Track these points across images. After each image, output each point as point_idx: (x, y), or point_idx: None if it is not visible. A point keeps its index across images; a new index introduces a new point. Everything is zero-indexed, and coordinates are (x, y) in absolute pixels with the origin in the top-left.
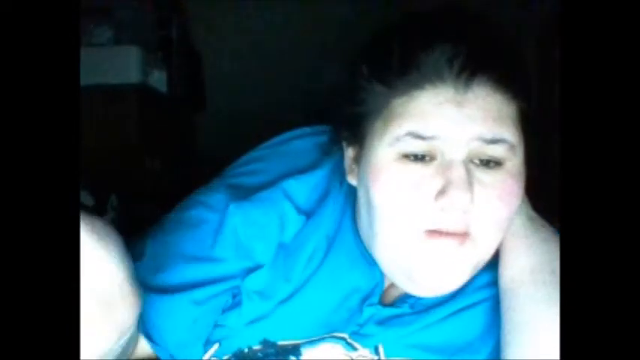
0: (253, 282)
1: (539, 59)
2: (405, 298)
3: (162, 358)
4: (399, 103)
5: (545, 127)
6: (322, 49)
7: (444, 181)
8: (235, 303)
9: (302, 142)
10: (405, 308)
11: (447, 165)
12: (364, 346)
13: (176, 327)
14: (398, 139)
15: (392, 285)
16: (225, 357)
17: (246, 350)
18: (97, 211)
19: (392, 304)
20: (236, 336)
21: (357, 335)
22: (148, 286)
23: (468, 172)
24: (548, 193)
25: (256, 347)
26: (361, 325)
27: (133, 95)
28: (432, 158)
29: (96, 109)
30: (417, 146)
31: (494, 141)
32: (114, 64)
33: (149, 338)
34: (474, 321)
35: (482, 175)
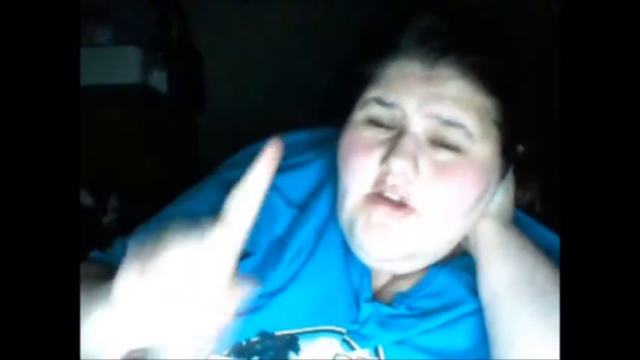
0: (240, 269)
1: (540, 60)
2: (401, 298)
3: None
4: (375, 72)
5: (546, 128)
6: (323, 49)
7: (390, 148)
8: None
9: (296, 137)
10: (402, 309)
11: (400, 135)
12: (364, 346)
13: None
14: (365, 102)
15: (388, 283)
16: (224, 352)
17: (244, 343)
18: (97, 211)
19: (390, 304)
20: (233, 329)
21: (357, 335)
22: None
23: (419, 146)
24: (548, 195)
25: (254, 339)
26: (362, 324)
27: (133, 95)
28: (394, 127)
29: (96, 109)
30: (379, 111)
31: (450, 123)
32: (114, 64)
33: None
34: (476, 328)
35: (437, 154)
